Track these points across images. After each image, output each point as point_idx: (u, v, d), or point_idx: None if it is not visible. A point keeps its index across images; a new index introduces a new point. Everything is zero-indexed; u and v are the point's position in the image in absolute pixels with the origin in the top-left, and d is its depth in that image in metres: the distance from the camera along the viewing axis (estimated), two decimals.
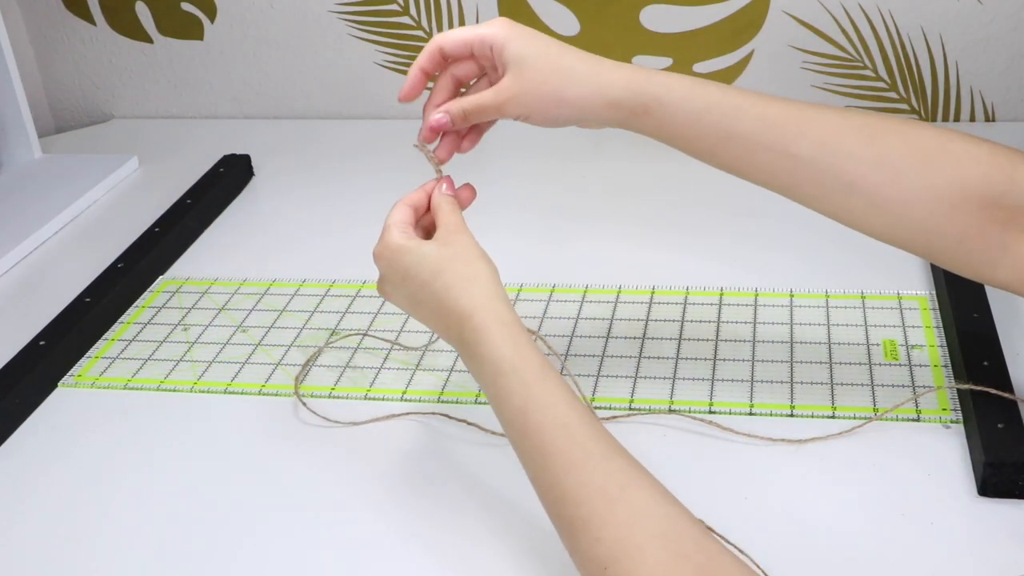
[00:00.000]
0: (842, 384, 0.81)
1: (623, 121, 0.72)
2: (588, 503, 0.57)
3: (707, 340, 0.88)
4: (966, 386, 0.75)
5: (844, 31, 1.23)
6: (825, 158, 0.68)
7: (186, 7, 1.39)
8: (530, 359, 0.64)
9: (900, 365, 0.83)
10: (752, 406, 0.80)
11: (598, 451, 0.59)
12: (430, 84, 0.76)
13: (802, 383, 0.82)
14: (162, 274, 1.07)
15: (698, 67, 1.28)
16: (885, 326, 0.88)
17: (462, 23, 1.32)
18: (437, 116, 0.74)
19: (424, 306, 0.69)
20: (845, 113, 0.70)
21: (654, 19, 1.27)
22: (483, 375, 0.65)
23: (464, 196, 0.76)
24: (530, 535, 0.69)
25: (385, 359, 0.90)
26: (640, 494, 0.57)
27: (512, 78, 0.72)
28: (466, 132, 0.77)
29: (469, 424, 0.80)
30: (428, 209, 0.75)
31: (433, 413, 0.82)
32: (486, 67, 0.75)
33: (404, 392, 0.85)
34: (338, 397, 0.85)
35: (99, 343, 0.96)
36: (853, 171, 0.68)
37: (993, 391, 0.73)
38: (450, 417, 0.81)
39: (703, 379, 0.83)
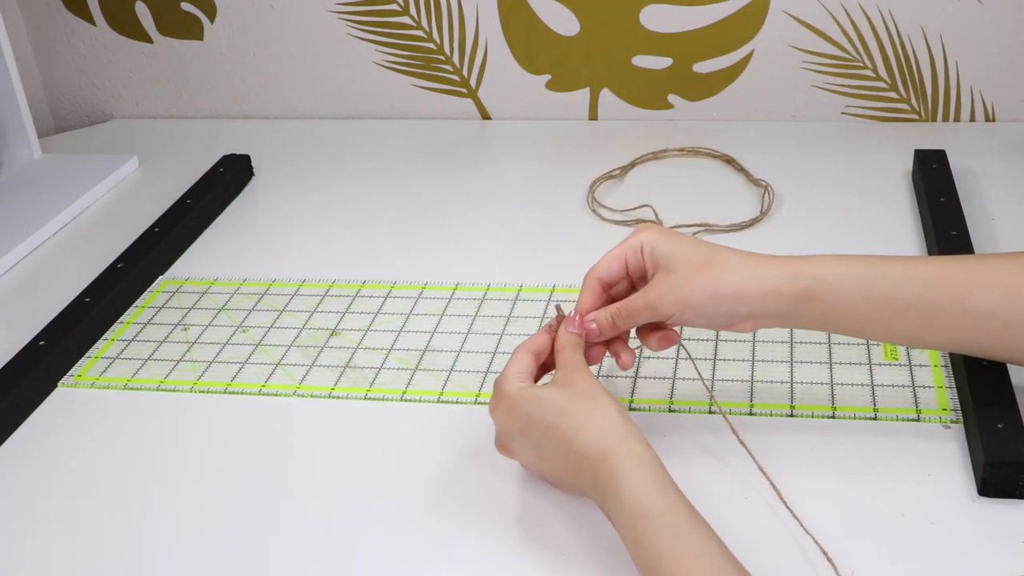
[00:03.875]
0: (842, 384, 0.81)
1: (785, 312, 0.69)
2: None
3: (707, 340, 0.88)
4: None
5: (844, 31, 1.23)
6: (1005, 305, 0.66)
7: (186, 7, 1.39)
8: (680, 501, 0.61)
9: (900, 365, 0.83)
10: (752, 406, 0.80)
11: None
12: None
13: (802, 383, 0.82)
14: (162, 274, 1.07)
15: (698, 67, 1.28)
16: None
17: (462, 24, 1.32)
18: (588, 326, 0.72)
19: (552, 452, 0.66)
20: (1014, 257, 0.68)
21: (654, 19, 1.27)
22: (622, 518, 0.61)
23: (626, 360, 0.73)
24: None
25: (385, 359, 0.90)
26: None
27: (663, 275, 0.69)
28: (618, 343, 0.74)
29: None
30: (552, 351, 0.72)
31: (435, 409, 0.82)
32: (636, 280, 0.73)
33: (404, 392, 0.85)
34: (338, 397, 0.85)
35: (99, 343, 0.96)
36: None
37: None
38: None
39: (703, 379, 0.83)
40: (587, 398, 0.66)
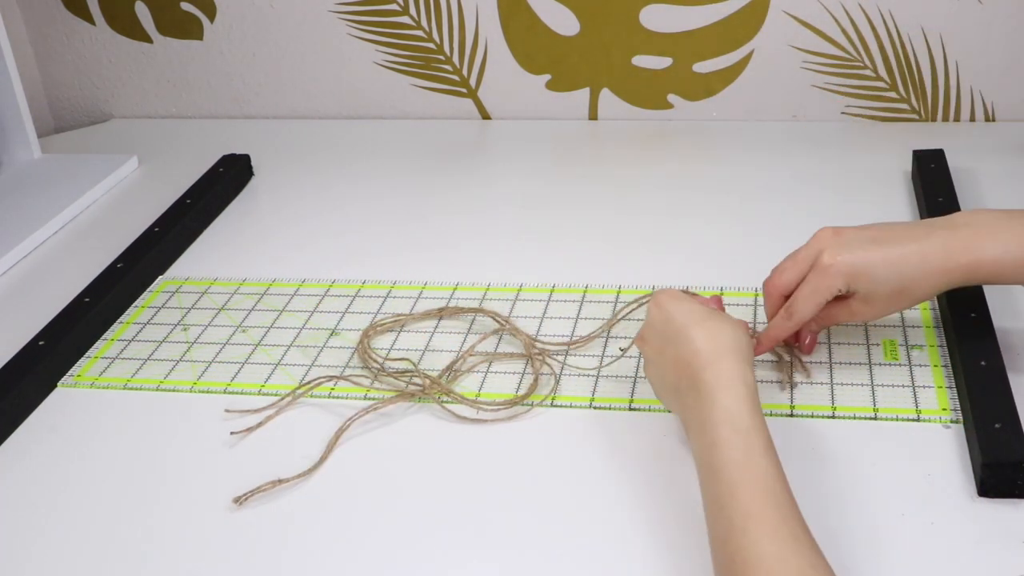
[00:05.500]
0: (842, 384, 0.81)
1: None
2: (782, 573, 0.58)
3: None
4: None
5: (844, 31, 1.23)
6: None
7: (186, 7, 1.39)
8: (764, 429, 0.65)
9: (900, 365, 0.83)
10: None
11: (801, 533, 0.60)
12: None
13: (802, 383, 0.82)
14: (162, 274, 1.07)
15: (698, 67, 1.28)
16: (885, 326, 0.88)
17: (462, 24, 1.32)
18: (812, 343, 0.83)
19: (672, 346, 0.72)
20: None
21: (654, 19, 1.27)
22: (709, 421, 0.66)
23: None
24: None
25: (385, 358, 0.90)
26: None
27: (862, 303, 0.78)
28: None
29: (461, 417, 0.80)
30: None
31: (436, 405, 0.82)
32: None
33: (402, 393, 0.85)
34: (337, 397, 0.85)
35: (99, 343, 0.96)
36: None
37: None
38: (453, 412, 0.82)
39: None
40: (726, 322, 0.72)
